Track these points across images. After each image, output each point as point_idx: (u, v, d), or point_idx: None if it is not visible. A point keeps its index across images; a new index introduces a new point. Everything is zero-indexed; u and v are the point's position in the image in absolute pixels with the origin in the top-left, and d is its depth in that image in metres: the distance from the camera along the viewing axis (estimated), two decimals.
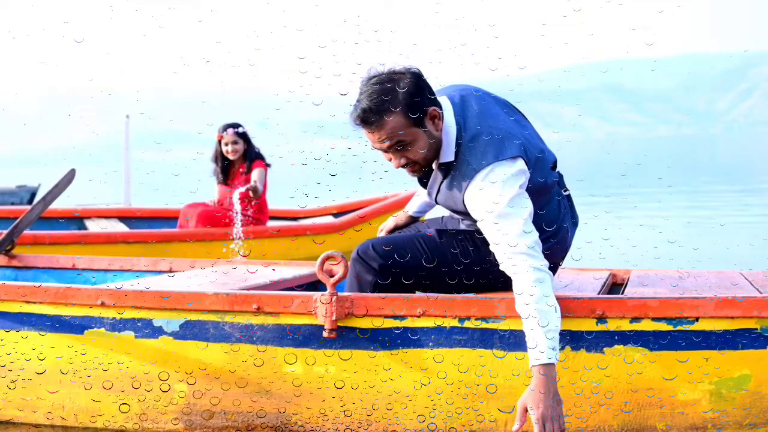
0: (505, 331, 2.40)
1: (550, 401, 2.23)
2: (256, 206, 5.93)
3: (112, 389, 2.63)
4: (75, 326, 2.64)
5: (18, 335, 2.69)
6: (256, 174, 5.83)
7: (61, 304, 2.64)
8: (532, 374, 2.25)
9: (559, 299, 2.35)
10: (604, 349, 2.37)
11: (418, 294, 2.49)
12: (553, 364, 2.23)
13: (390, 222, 2.97)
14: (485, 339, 2.41)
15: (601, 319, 2.37)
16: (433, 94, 2.45)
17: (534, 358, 2.24)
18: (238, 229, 5.47)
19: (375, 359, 2.47)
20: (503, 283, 2.47)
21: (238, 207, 5.61)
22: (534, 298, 2.26)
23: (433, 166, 2.54)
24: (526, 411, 2.25)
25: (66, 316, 2.64)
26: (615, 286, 3.07)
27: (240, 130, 5.90)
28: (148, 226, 6.78)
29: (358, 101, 2.42)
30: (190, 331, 2.57)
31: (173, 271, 3.55)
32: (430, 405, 2.45)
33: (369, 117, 2.40)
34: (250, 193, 5.74)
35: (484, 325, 2.41)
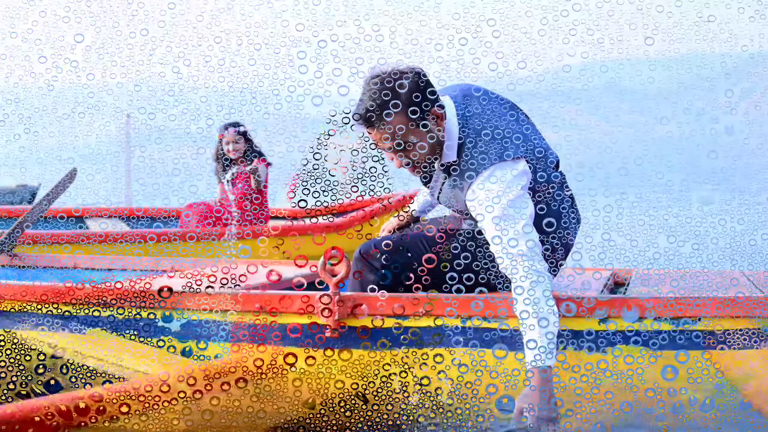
0: (506, 330, 2.40)
1: (546, 403, 2.22)
2: (257, 205, 5.92)
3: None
4: (76, 325, 2.63)
5: (18, 334, 2.68)
6: (258, 166, 5.81)
7: (62, 303, 2.64)
8: (530, 376, 2.24)
9: (561, 299, 2.35)
10: (606, 348, 2.37)
11: (419, 293, 2.49)
12: (550, 366, 2.23)
13: (392, 221, 2.97)
14: (486, 338, 2.41)
15: (603, 319, 2.36)
16: (435, 93, 2.44)
17: (531, 360, 2.24)
18: (233, 216, 5.48)
19: (376, 358, 2.47)
20: (504, 283, 2.47)
21: (231, 197, 5.60)
22: (532, 300, 2.25)
23: (436, 165, 2.53)
24: (522, 413, 2.24)
25: (67, 315, 2.64)
26: (617, 285, 3.07)
27: (241, 129, 5.90)
28: (149, 226, 6.78)
29: (360, 100, 2.41)
30: (191, 331, 2.57)
31: (174, 271, 3.55)
32: (430, 405, 2.45)
33: (370, 116, 2.39)
34: (252, 183, 5.73)
35: (485, 324, 2.41)
